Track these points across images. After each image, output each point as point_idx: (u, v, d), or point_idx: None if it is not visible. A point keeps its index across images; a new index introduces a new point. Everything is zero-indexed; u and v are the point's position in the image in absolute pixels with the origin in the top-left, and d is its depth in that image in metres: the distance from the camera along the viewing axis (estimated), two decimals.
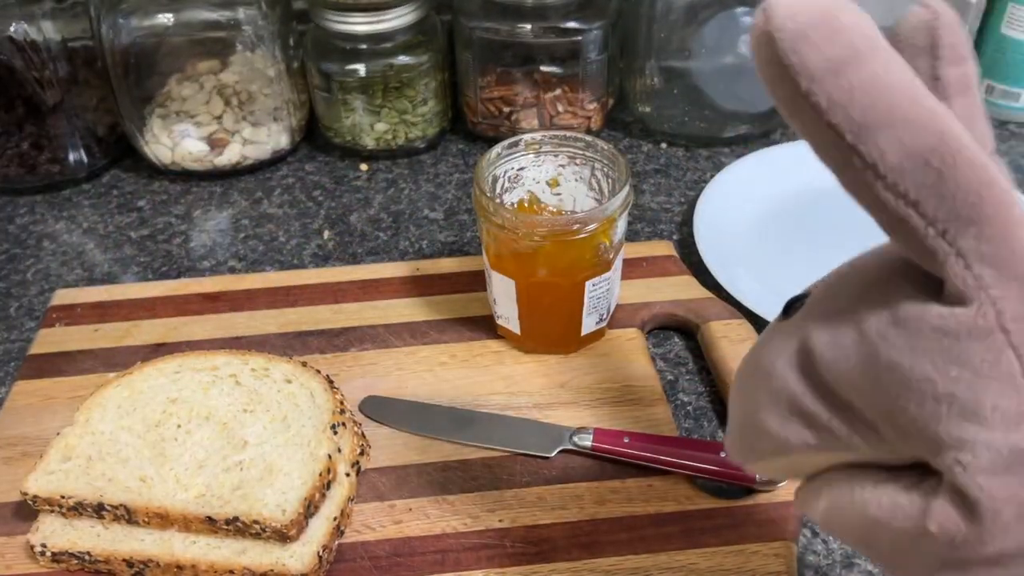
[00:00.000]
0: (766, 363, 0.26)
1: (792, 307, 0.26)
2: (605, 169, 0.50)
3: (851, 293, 0.24)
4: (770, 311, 0.53)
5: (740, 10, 0.66)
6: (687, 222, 0.63)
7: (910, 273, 0.22)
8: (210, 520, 0.40)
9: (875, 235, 0.27)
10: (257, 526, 0.40)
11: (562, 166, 0.51)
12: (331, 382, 0.47)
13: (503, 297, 0.50)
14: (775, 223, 0.63)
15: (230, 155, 0.69)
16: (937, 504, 0.22)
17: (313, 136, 0.74)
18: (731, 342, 0.51)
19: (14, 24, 0.62)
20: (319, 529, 0.41)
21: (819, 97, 0.20)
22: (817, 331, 0.24)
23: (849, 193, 0.21)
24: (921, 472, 0.23)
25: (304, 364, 0.48)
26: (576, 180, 0.51)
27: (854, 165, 0.20)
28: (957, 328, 0.21)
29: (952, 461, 0.21)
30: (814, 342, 0.24)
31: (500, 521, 0.43)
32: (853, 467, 0.25)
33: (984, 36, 0.72)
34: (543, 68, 0.69)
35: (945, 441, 0.21)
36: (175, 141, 0.68)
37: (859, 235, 0.25)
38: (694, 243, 0.59)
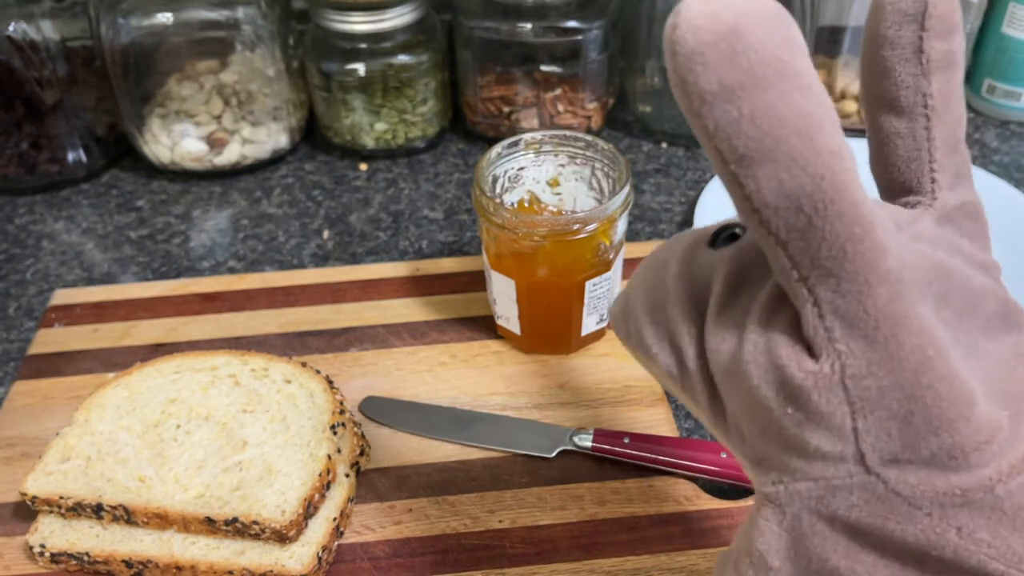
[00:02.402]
0: (673, 270, 0.26)
1: (719, 237, 0.25)
2: (605, 169, 0.50)
3: (755, 284, 0.24)
4: None
5: None
6: (687, 222, 0.63)
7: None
8: (209, 521, 0.40)
9: None
10: (256, 527, 0.40)
11: (562, 166, 0.51)
12: (331, 382, 0.47)
13: (503, 297, 0.50)
14: None
15: (229, 155, 0.69)
16: (757, 543, 0.23)
17: (312, 136, 0.74)
18: None
19: (13, 24, 0.62)
20: (318, 530, 0.41)
21: (707, 120, 0.19)
22: (714, 308, 0.24)
23: (737, 211, 0.21)
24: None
25: (304, 364, 0.48)
26: (576, 180, 0.51)
27: (734, 190, 0.20)
28: (800, 375, 0.21)
29: (775, 480, 0.22)
30: (708, 320, 0.24)
31: (500, 522, 0.43)
32: None
33: (985, 35, 0.72)
34: (543, 68, 0.68)
35: (772, 459, 0.22)
36: (174, 141, 0.68)
37: None
38: None
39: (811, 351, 0.21)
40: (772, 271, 0.23)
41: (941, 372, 0.20)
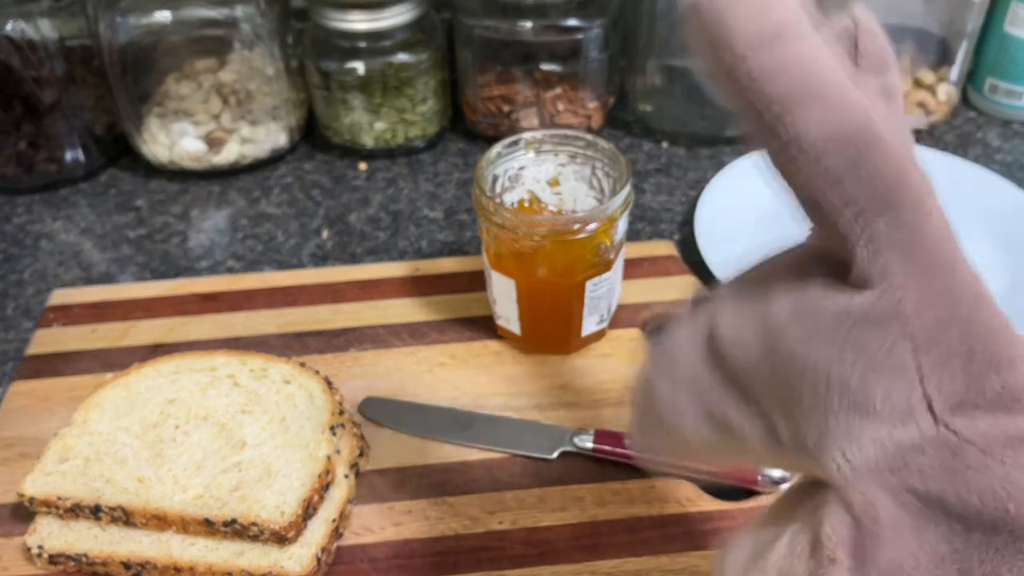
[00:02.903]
0: (671, 349, 0.26)
1: (699, 300, 0.26)
2: (606, 168, 0.50)
3: (762, 277, 0.24)
4: None
5: None
6: (688, 222, 0.63)
7: (823, 262, 0.22)
8: (208, 522, 0.40)
9: None
10: (255, 528, 0.40)
11: (562, 165, 0.51)
12: (330, 383, 0.47)
13: (503, 297, 0.50)
14: (776, 222, 0.62)
15: (228, 154, 0.69)
16: (825, 527, 0.21)
17: (312, 135, 0.74)
18: None
19: (11, 22, 0.62)
20: (317, 531, 0.41)
21: (742, 72, 0.20)
22: (724, 313, 0.24)
23: (774, 168, 0.21)
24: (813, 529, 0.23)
25: (303, 365, 0.48)
26: (576, 179, 0.51)
27: (778, 138, 0.20)
28: (856, 314, 0.21)
29: (839, 457, 0.21)
30: (721, 325, 0.24)
31: (500, 523, 0.42)
32: (759, 533, 0.24)
33: (987, 34, 0.72)
34: (543, 66, 0.68)
35: (833, 431, 0.21)
36: (173, 140, 0.68)
37: None
38: (695, 243, 0.59)
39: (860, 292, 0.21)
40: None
41: (993, 310, 0.20)
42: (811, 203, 0.21)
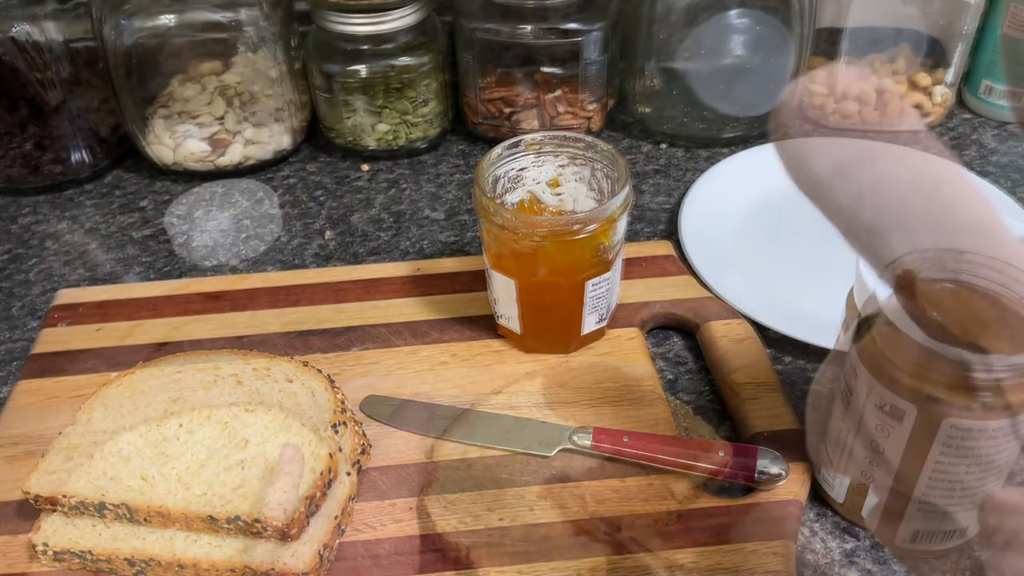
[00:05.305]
0: None
1: None
2: (605, 169, 0.50)
3: None
4: (755, 309, 0.53)
5: (735, 12, 0.66)
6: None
7: None
8: (211, 519, 0.40)
9: None
10: (258, 525, 0.40)
11: (562, 166, 0.51)
12: (332, 381, 0.48)
13: (503, 297, 0.50)
14: (759, 222, 0.63)
15: (232, 155, 0.69)
16: None
17: (315, 137, 0.74)
18: (731, 341, 0.51)
19: (16, 25, 0.63)
20: (320, 528, 0.41)
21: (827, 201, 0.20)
22: None
23: None
24: None
25: (305, 364, 0.49)
26: (576, 180, 0.52)
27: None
28: None
29: None
30: None
31: (500, 520, 0.43)
32: None
33: (984, 36, 0.72)
34: (543, 69, 0.69)
35: None
36: (177, 142, 0.69)
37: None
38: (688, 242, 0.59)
39: None
40: None
41: None
42: None
